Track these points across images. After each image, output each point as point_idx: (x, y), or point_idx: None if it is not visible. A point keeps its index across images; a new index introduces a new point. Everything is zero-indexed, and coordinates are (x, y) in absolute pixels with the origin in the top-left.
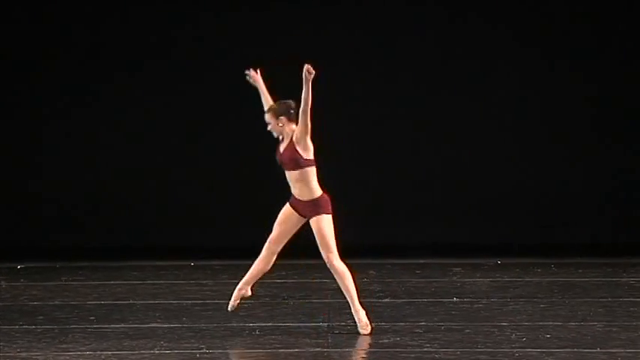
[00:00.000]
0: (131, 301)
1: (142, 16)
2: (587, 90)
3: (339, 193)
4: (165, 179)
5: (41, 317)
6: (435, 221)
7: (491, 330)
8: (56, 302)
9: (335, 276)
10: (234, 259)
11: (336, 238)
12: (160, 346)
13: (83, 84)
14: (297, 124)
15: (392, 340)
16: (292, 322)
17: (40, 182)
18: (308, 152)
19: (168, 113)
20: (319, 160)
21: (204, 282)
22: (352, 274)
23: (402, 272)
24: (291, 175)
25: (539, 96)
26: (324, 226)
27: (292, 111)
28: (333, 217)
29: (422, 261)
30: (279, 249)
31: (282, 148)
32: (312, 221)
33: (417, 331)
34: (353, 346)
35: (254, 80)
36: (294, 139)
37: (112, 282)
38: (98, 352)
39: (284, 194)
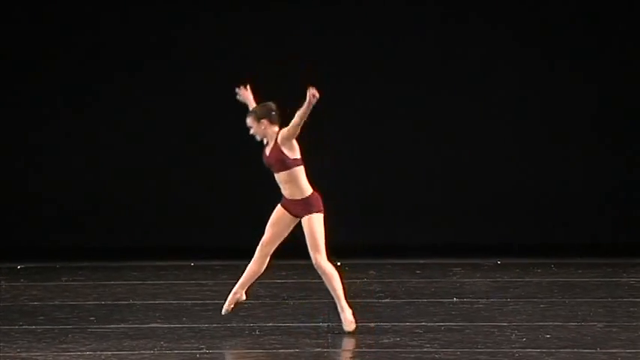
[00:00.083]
0: (131, 302)
1: (142, 16)
2: (587, 90)
3: (339, 192)
4: (165, 179)
5: (41, 317)
6: (434, 221)
7: (491, 330)
8: (56, 302)
9: (322, 277)
10: (234, 259)
11: (327, 238)
12: (160, 347)
13: (83, 84)
14: (279, 126)
15: (392, 340)
16: (292, 323)
17: (40, 182)
18: (294, 152)
19: (168, 113)
20: (318, 161)
21: (204, 282)
22: (340, 275)
23: (402, 272)
24: (279, 177)
25: (539, 96)
26: (315, 225)
27: (273, 113)
28: (324, 215)
29: (422, 261)
30: (272, 250)
31: (267, 150)
32: (304, 220)
33: (417, 331)
34: (353, 346)
35: (244, 98)
36: (279, 141)
37: (112, 282)
38: (98, 353)
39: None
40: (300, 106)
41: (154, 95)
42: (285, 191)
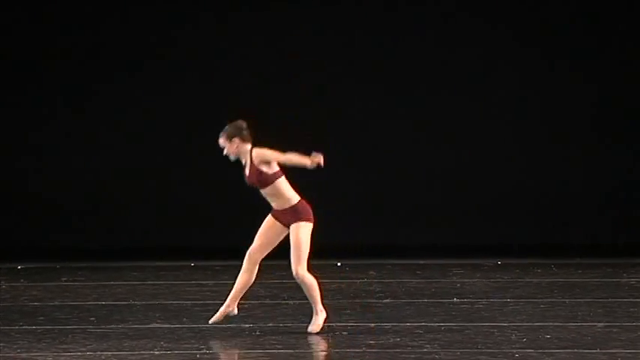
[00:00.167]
0: (131, 302)
1: (142, 16)
2: (587, 90)
3: (339, 192)
4: (165, 179)
5: (41, 318)
6: (434, 221)
7: (492, 330)
8: (56, 303)
9: (302, 286)
10: (235, 259)
11: (318, 245)
12: (160, 347)
13: (83, 84)
14: (251, 143)
15: (392, 340)
16: (292, 323)
17: (40, 182)
18: (271, 167)
19: (168, 113)
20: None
21: (205, 282)
22: (318, 283)
23: (402, 273)
24: (264, 192)
25: (539, 96)
26: (301, 234)
27: (244, 131)
28: (314, 226)
29: (422, 261)
30: (260, 259)
31: (246, 171)
32: (292, 227)
33: (418, 331)
34: (353, 346)
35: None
36: (255, 162)
37: (112, 282)
38: (98, 353)
39: None
40: (299, 155)
41: (153, 95)
42: (273, 203)
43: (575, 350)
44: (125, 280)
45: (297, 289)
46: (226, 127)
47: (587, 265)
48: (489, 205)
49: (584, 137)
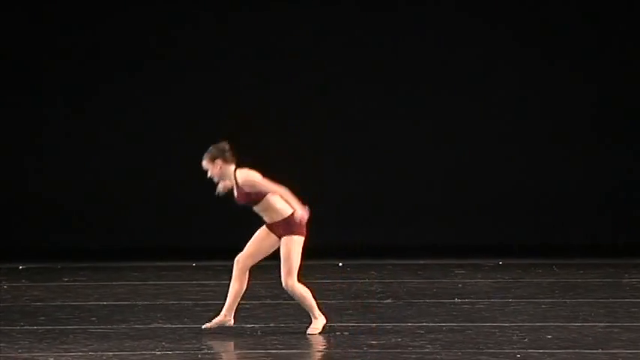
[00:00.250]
0: (132, 302)
1: (142, 16)
2: (587, 90)
3: (340, 193)
4: (165, 179)
5: (43, 318)
6: (435, 222)
7: (493, 331)
8: (57, 303)
9: (294, 298)
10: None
11: (303, 260)
12: (162, 347)
13: (83, 84)
14: (235, 164)
15: (394, 340)
16: (294, 323)
17: (40, 182)
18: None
19: (168, 113)
20: (319, 161)
21: (206, 283)
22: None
23: (403, 273)
24: (256, 209)
25: (539, 96)
26: (292, 248)
27: (227, 153)
28: (305, 240)
29: (423, 262)
30: (250, 265)
31: (235, 193)
32: (283, 240)
33: (419, 331)
34: (354, 346)
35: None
36: (240, 184)
37: (114, 283)
38: (100, 353)
39: None
40: (292, 195)
41: (154, 95)
42: (266, 218)
43: (577, 350)
44: (126, 281)
45: None
46: (209, 148)
47: (589, 265)
48: (489, 205)
49: (584, 137)
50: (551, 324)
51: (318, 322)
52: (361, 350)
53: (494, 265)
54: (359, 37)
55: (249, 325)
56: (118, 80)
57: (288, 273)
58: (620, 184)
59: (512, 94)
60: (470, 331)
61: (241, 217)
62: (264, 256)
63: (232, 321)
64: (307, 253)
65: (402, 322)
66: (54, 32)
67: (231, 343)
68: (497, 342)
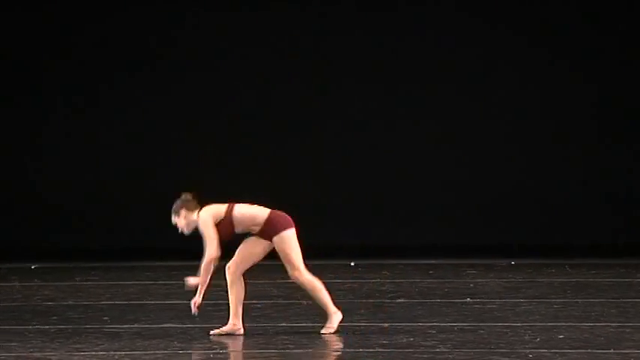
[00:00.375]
0: (144, 302)
1: (142, 16)
2: (587, 90)
3: (340, 193)
4: (165, 179)
5: (54, 317)
6: (435, 222)
7: (505, 330)
8: (69, 302)
9: (305, 289)
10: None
11: (304, 252)
12: (173, 347)
13: (83, 84)
14: (199, 211)
15: (405, 340)
16: (306, 323)
17: (40, 182)
18: (215, 219)
19: (168, 113)
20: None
21: (217, 282)
22: (322, 283)
23: (414, 273)
24: (239, 232)
25: (539, 96)
26: (285, 244)
27: (190, 202)
28: (297, 230)
29: (434, 261)
30: (243, 270)
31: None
32: (274, 240)
33: (431, 331)
34: (366, 346)
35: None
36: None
37: (125, 282)
38: (111, 353)
39: (284, 194)
40: (205, 272)
41: (154, 95)
42: (252, 231)
43: (589, 350)
44: (138, 280)
45: None
46: (174, 203)
47: (601, 265)
48: (489, 205)
49: (584, 137)
50: (563, 324)
51: (333, 319)
52: (373, 350)
53: (506, 265)
54: (359, 37)
55: (260, 325)
56: (118, 80)
57: (292, 267)
58: (620, 184)
59: (512, 94)
60: (482, 331)
61: None
62: (258, 260)
63: (242, 330)
64: (318, 253)
65: (413, 321)
66: (54, 32)
67: (243, 343)
68: (509, 342)
